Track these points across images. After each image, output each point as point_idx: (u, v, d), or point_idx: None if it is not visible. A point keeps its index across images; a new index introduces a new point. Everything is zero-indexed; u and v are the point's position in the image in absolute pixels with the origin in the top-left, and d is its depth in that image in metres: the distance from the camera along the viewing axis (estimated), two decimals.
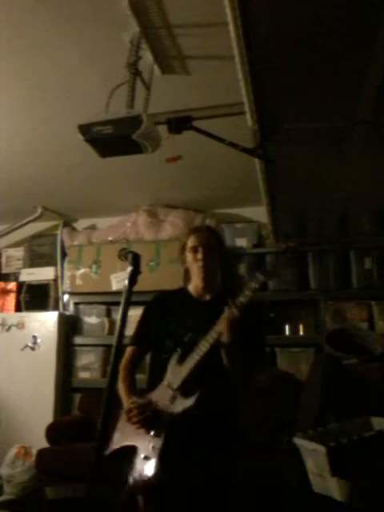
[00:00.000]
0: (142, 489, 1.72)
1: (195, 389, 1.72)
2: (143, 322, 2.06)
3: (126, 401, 1.82)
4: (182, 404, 1.72)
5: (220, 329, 1.71)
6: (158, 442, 1.69)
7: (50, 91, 2.51)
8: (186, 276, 2.04)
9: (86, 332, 4.17)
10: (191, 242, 1.97)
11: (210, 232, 2.05)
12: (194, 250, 1.95)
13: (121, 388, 1.88)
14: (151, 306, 2.09)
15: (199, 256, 1.93)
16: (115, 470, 1.67)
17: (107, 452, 1.76)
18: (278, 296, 3.83)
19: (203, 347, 1.74)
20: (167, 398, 1.76)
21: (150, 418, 1.73)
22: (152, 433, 1.72)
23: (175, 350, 1.85)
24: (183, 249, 2.01)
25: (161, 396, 1.79)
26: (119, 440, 1.81)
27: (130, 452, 1.76)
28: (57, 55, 2.22)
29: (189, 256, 1.97)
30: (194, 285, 2.00)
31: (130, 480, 1.72)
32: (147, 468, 1.68)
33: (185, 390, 1.74)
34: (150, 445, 1.71)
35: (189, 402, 1.71)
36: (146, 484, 1.68)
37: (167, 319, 1.95)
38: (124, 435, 1.80)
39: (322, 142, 2.26)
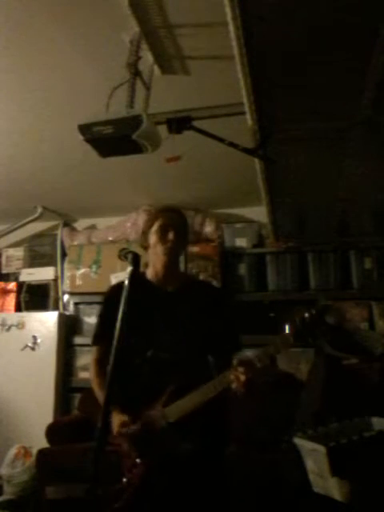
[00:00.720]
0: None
1: (190, 431, 1.65)
2: (103, 318, 1.94)
3: (115, 415, 1.73)
4: (174, 443, 1.66)
5: (231, 383, 1.59)
6: (141, 469, 1.64)
7: (50, 91, 2.50)
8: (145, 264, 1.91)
9: (86, 332, 4.16)
10: (161, 221, 1.85)
11: (180, 215, 1.93)
12: (164, 229, 1.83)
13: (101, 397, 1.77)
14: (109, 296, 1.96)
15: (170, 237, 1.81)
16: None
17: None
18: (278, 296, 3.83)
19: (209, 393, 1.63)
20: (159, 427, 1.67)
21: (137, 446, 1.67)
22: (138, 460, 1.67)
23: (146, 350, 1.77)
24: (147, 230, 1.88)
25: (154, 421, 1.69)
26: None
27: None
28: (56, 55, 2.22)
29: (154, 237, 1.84)
30: (154, 271, 1.87)
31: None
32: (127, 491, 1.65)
33: (180, 427, 1.67)
34: (133, 469, 1.66)
35: (183, 447, 1.64)
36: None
37: (129, 313, 1.84)
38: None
39: (322, 142, 2.26)
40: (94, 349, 1.91)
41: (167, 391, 1.72)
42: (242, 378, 1.56)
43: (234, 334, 1.90)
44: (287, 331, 1.51)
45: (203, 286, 2.04)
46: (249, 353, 1.60)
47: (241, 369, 1.58)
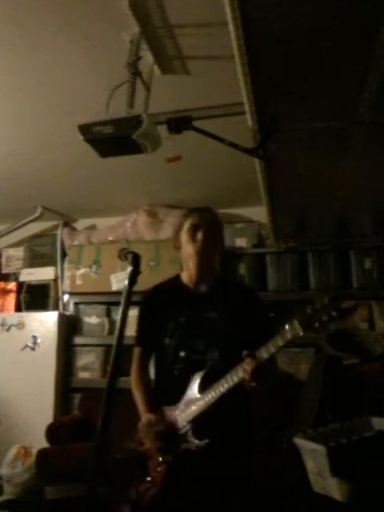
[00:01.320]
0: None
1: (206, 429, 1.66)
2: (141, 320, 1.98)
3: (143, 415, 1.78)
4: (189, 443, 1.68)
5: (244, 378, 1.58)
6: (164, 469, 1.69)
7: (50, 91, 2.50)
8: (182, 261, 1.91)
9: (86, 332, 4.17)
10: (191, 220, 1.82)
11: (212, 213, 1.89)
12: (194, 229, 1.80)
13: (136, 396, 1.84)
14: (146, 301, 1.99)
15: (199, 237, 1.78)
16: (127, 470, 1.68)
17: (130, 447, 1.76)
18: (278, 296, 3.83)
19: (221, 389, 1.63)
20: (180, 426, 1.71)
21: (161, 446, 1.70)
22: (160, 459, 1.70)
23: (179, 351, 1.78)
24: (179, 230, 1.86)
25: (176, 420, 1.73)
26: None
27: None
28: (56, 55, 2.22)
29: (185, 237, 1.82)
30: (187, 272, 1.87)
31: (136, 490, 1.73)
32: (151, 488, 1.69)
33: (196, 427, 1.69)
34: (157, 468, 1.71)
35: (193, 444, 1.67)
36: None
37: (163, 315, 1.85)
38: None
39: (321, 142, 2.26)
40: (135, 350, 1.95)
41: (190, 390, 1.73)
42: (248, 368, 1.54)
43: (268, 335, 1.89)
44: (296, 321, 1.50)
45: (237, 286, 2.02)
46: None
47: (247, 360, 1.57)
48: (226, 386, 1.63)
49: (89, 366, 4.03)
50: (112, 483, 1.62)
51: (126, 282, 1.47)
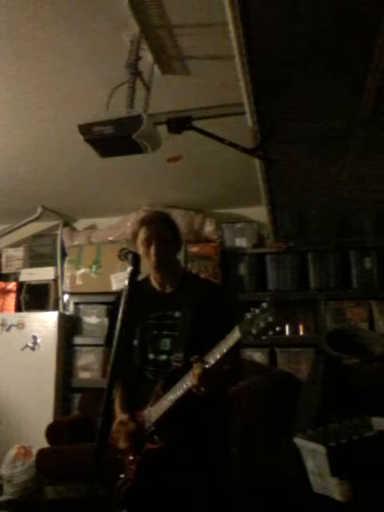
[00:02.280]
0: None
1: (167, 431, 1.72)
2: (112, 321, 1.96)
3: (118, 416, 1.83)
4: (152, 443, 1.74)
5: (192, 384, 1.60)
6: (134, 466, 1.77)
7: (50, 91, 2.50)
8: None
9: (86, 332, 4.17)
10: (143, 233, 1.84)
11: (162, 222, 1.90)
12: (147, 243, 1.83)
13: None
14: (117, 302, 1.97)
15: (152, 251, 1.81)
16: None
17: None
18: (277, 296, 3.83)
19: (178, 392, 1.66)
20: (146, 427, 1.77)
21: (130, 445, 1.77)
22: (131, 457, 1.78)
23: (147, 352, 1.82)
24: (134, 238, 1.89)
25: (143, 420, 1.78)
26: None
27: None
28: (57, 55, 2.22)
29: (140, 249, 1.84)
30: (153, 277, 1.91)
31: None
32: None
33: (158, 428, 1.74)
34: (130, 466, 1.78)
35: (155, 444, 1.73)
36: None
37: (132, 317, 1.81)
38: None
39: (322, 142, 2.26)
40: (104, 350, 1.97)
41: (155, 391, 1.76)
42: (196, 373, 1.57)
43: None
44: (237, 328, 1.51)
45: (203, 284, 2.03)
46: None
47: (195, 365, 1.59)
48: (181, 390, 1.65)
49: (89, 366, 4.03)
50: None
51: (126, 282, 1.47)
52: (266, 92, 1.83)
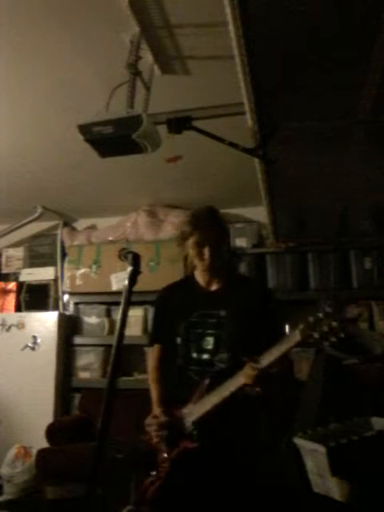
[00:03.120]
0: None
1: (209, 431, 1.69)
2: (157, 318, 2.02)
3: (153, 409, 1.83)
4: (192, 443, 1.71)
5: (246, 384, 1.60)
6: (167, 464, 1.74)
7: (50, 91, 2.50)
8: (191, 264, 1.93)
9: (86, 332, 4.17)
10: (196, 237, 1.83)
11: (213, 223, 1.89)
12: (200, 247, 1.83)
13: (152, 393, 1.89)
14: (160, 300, 2.04)
15: (206, 255, 1.82)
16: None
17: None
18: (278, 296, 3.83)
19: (223, 393, 1.65)
20: (186, 426, 1.74)
21: (164, 439, 1.75)
22: (164, 454, 1.75)
23: (190, 350, 1.81)
24: (184, 239, 1.88)
25: (182, 418, 1.76)
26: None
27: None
28: (56, 55, 2.21)
29: (192, 251, 1.85)
30: (201, 275, 1.91)
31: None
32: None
33: (200, 428, 1.72)
34: (163, 464, 1.76)
35: (195, 444, 1.70)
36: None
37: (176, 314, 1.88)
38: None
39: (321, 142, 2.26)
40: (154, 347, 1.98)
41: (198, 390, 1.75)
42: (251, 374, 1.56)
43: (278, 332, 1.87)
44: (298, 331, 1.50)
45: (248, 283, 2.04)
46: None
47: (248, 366, 1.58)
48: (231, 389, 1.64)
49: (89, 366, 4.03)
50: (111, 483, 1.64)
51: (126, 282, 1.47)
52: (266, 92, 1.83)
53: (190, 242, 1.85)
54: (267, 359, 1.57)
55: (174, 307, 1.91)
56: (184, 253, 1.91)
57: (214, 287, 1.89)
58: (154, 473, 1.76)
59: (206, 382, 1.74)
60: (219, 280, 1.89)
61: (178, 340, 1.85)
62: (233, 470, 1.70)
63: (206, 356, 1.80)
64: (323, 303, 1.45)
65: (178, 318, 1.87)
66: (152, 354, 1.98)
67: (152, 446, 1.78)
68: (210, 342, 1.80)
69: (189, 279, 1.96)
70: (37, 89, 2.48)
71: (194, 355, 1.82)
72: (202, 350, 1.81)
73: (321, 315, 1.46)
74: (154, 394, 1.88)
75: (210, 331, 1.81)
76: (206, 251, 1.82)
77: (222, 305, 1.81)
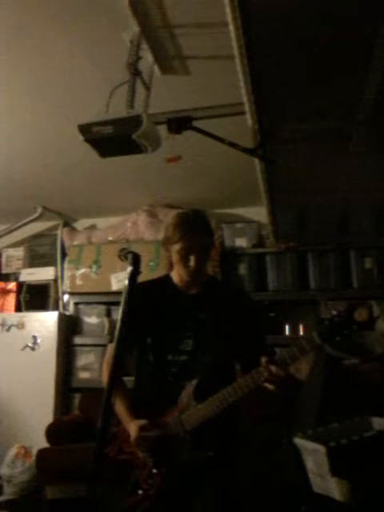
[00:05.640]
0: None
1: (207, 440, 1.61)
2: (126, 313, 1.93)
3: (131, 422, 1.67)
4: (190, 454, 1.62)
5: (262, 383, 1.54)
6: (158, 481, 1.61)
7: (50, 91, 2.51)
8: (170, 265, 1.85)
9: (86, 332, 4.17)
10: (182, 244, 1.73)
11: (202, 229, 1.80)
12: (186, 253, 1.74)
13: (117, 404, 1.68)
14: (133, 297, 1.94)
15: (191, 263, 1.73)
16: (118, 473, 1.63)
17: (110, 452, 1.65)
18: (278, 296, 3.83)
19: (229, 397, 1.58)
20: (177, 435, 1.63)
21: (156, 455, 1.63)
22: (154, 470, 1.63)
23: (165, 352, 1.73)
24: (168, 242, 1.78)
25: (171, 428, 1.65)
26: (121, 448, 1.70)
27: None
28: (57, 55, 2.22)
29: (176, 256, 1.76)
30: (180, 277, 1.82)
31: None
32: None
33: (196, 436, 1.62)
34: (149, 480, 1.62)
35: (196, 455, 1.61)
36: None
37: (147, 313, 1.78)
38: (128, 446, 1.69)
39: (321, 142, 2.26)
40: (109, 347, 1.85)
41: (184, 397, 1.67)
42: (281, 374, 1.51)
43: (259, 336, 1.85)
44: (315, 334, 1.47)
45: (226, 288, 2.02)
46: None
47: (274, 367, 1.52)
48: (233, 395, 1.58)
49: (89, 366, 4.03)
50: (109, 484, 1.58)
51: (126, 282, 1.47)
52: (266, 92, 1.83)
53: (176, 247, 1.76)
54: (291, 360, 1.53)
55: (147, 306, 1.79)
56: (168, 255, 1.83)
57: (192, 291, 1.82)
58: (140, 491, 1.62)
59: (191, 386, 1.66)
60: (198, 284, 1.82)
61: (148, 340, 1.78)
62: (237, 478, 1.67)
63: (183, 357, 1.73)
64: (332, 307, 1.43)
65: (150, 318, 1.78)
66: (108, 354, 1.85)
67: (126, 461, 1.66)
68: (188, 344, 1.74)
69: (163, 280, 1.87)
70: (36, 88, 2.48)
71: (170, 357, 1.74)
72: (178, 352, 1.74)
73: (337, 319, 1.44)
74: (122, 401, 1.72)
75: (188, 333, 1.75)
76: (192, 259, 1.73)
77: (200, 308, 1.77)
